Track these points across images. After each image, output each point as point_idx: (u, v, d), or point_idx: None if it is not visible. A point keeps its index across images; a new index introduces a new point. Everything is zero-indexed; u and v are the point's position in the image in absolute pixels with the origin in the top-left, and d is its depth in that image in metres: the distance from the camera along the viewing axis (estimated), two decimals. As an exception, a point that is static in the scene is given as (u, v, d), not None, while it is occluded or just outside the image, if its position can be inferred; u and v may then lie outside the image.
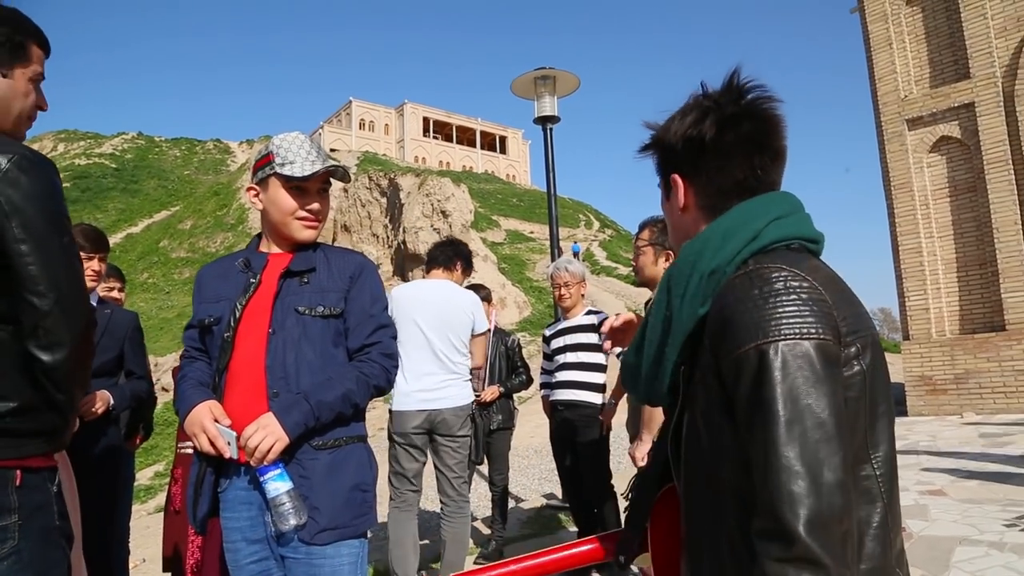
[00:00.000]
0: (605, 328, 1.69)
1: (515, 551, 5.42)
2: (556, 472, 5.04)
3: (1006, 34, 10.10)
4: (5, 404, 1.45)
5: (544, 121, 7.22)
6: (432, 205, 25.53)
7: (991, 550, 4.06)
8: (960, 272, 10.47)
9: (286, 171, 1.97)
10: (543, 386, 4.80)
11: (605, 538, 1.41)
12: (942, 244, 10.59)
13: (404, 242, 25.71)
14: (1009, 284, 9.81)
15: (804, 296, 1.00)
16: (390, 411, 3.99)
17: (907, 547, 4.21)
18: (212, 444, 1.83)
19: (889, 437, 1.08)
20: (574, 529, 4.95)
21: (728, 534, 1.04)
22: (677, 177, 1.22)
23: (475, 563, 5.04)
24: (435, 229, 25.71)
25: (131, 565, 7.62)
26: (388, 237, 27.77)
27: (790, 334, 0.97)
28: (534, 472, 8.46)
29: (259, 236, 2.14)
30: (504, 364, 5.46)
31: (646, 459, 2.30)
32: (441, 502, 4.08)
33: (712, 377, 1.05)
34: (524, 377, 5.50)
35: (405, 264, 26.27)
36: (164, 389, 16.99)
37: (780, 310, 0.99)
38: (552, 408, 4.66)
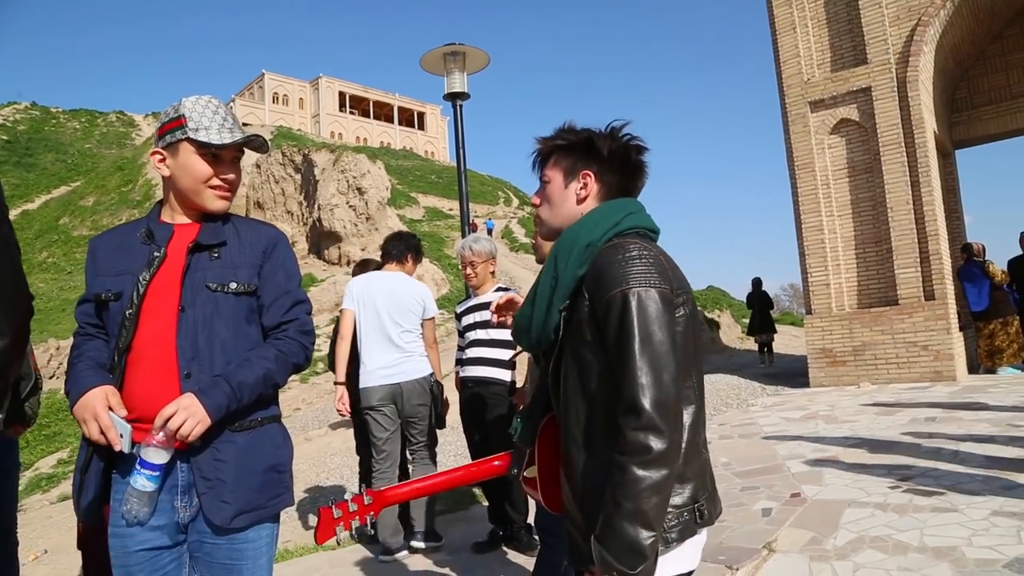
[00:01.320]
0: (492, 307, 2.05)
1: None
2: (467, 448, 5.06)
3: (899, 22, 10.57)
4: None
5: (454, 97, 7.14)
6: (348, 182, 25.02)
7: (876, 511, 4.30)
8: (858, 249, 10.98)
9: (201, 136, 1.87)
10: (457, 363, 4.82)
11: (502, 457, 1.89)
12: (842, 222, 11.07)
13: (319, 219, 25.16)
14: (901, 261, 10.35)
15: (651, 261, 1.47)
16: (359, 389, 4.67)
17: (801, 510, 4.44)
18: (103, 434, 1.72)
19: (699, 366, 1.59)
20: (484, 505, 4.99)
21: (595, 428, 1.49)
22: (590, 173, 1.67)
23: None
24: (351, 206, 25.24)
25: (31, 557, 7.30)
26: (303, 214, 27.10)
27: (643, 283, 1.43)
28: (449, 448, 8.48)
29: (159, 204, 2.01)
30: None
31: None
32: (410, 464, 4.90)
33: (588, 316, 1.50)
34: None
35: (321, 242, 25.74)
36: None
37: (635, 268, 1.45)
38: (462, 384, 4.68)
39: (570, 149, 1.69)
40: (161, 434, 1.72)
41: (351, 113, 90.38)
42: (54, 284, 36.54)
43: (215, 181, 1.93)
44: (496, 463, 1.90)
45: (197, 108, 1.91)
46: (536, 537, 3.97)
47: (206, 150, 1.90)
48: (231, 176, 1.96)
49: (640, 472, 1.34)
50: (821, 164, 11.12)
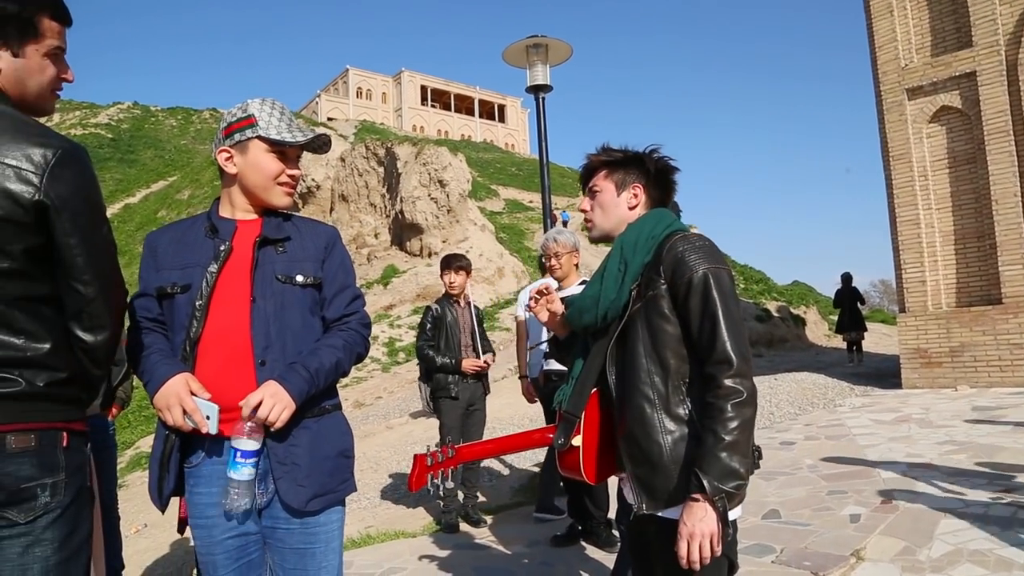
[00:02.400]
0: (532, 292, 2.24)
1: (507, 519, 5.46)
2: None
3: (1011, 0, 9.91)
4: (57, 374, 1.58)
5: (536, 90, 7.11)
6: (429, 174, 25.30)
7: (975, 523, 4.07)
8: (958, 244, 10.40)
9: (272, 134, 1.95)
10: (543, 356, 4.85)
11: (549, 429, 2.08)
12: (940, 216, 10.50)
13: (402, 212, 25.52)
14: (1007, 257, 9.75)
15: (712, 247, 1.86)
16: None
17: (892, 518, 4.25)
18: (185, 420, 1.78)
19: None
20: (563, 498, 4.98)
21: (668, 385, 1.81)
22: (640, 186, 2.03)
23: (437, 530, 5.08)
24: (432, 199, 25.52)
25: (132, 530, 7.71)
26: (386, 207, 27.56)
27: (717, 264, 1.82)
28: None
29: (216, 201, 2.08)
30: (481, 334, 5.52)
31: None
32: None
33: (665, 292, 1.83)
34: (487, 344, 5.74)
35: (403, 234, 26.13)
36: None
37: (707, 253, 1.83)
38: (546, 377, 4.68)
39: (621, 165, 2.04)
40: (251, 423, 1.78)
41: (432, 106, 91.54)
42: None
43: (283, 178, 2.01)
44: (542, 434, 2.10)
45: (265, 109, 1.99)
46: (616, 533, 3.92)
47: (276, 148, 1.97)
48: (297, 173, 2.05)
49: (736, 410, 1.68)
50: (918, 154, 10.58)
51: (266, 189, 2.00)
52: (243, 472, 1.79)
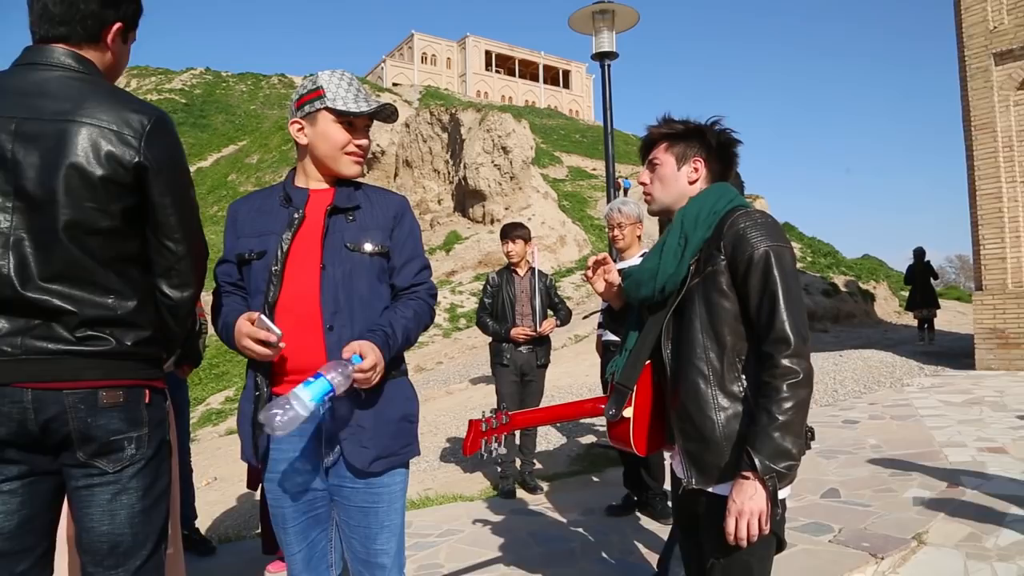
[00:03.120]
0: (591, 261, 2.16)
1: (563, 487, 5.53)
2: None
3: (1113, -40, 9.25)
4: (143, 333, 1.69)
5: (602, 57, 7.00)
6: (493, 141, 25.20)
7: (1048, 512, 3.93)
8: (1043, 220, 9.90)
9: (339, 105, 2.00)
10: (600, 326, 4.84)
11: (601, 399, 2.08)
12: (1025, 190, 9.99)
13: (465, 178, 25.53)
14: (1096, 233, 9.24)
15: (774, 225, 1.83)
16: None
17: (958, 503, 4.14)
18: (259, 346, 1.82)
19: None
20: (620, 468, 5.00)
21: (724, 361, 1.80)
22: (701, 159, 1.98)
23: (494, 496, 5.16)
24: (495, 165, 25.46)
25: (203, 483, 8.09)
26: (449, 173, 27.63)
27: (779, 242, 1.79)
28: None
29: (292, 170, 2.15)
30: (543, 302, 5.52)
31: None
32: None
33: (725, 268, 1.80)
34: (564, 312, 5.70)
35: (465, 200, 26.19)
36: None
37: (770, 231, 1.80)
38: (604, 348, 4.69)
39: (681, 137, 1.99)
40: (349, 370, 1.77)
41: (496, 72, 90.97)
42: (222, 236, 39.47)
43: (351, 147, 2.05)
44: (592, 404, 2.12)
45: (333, 80, 2.03)
46: (670, 504, 3.93)
47: (343, 118, 2.02)
48: (364, 142, 2.09)
49: (792, 391, 1.67)
50: (1004, 124, 10.04)
51: (334, 159, 2.04)
52: (305, 398, 1.69)
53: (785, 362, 1.68)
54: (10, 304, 1.55)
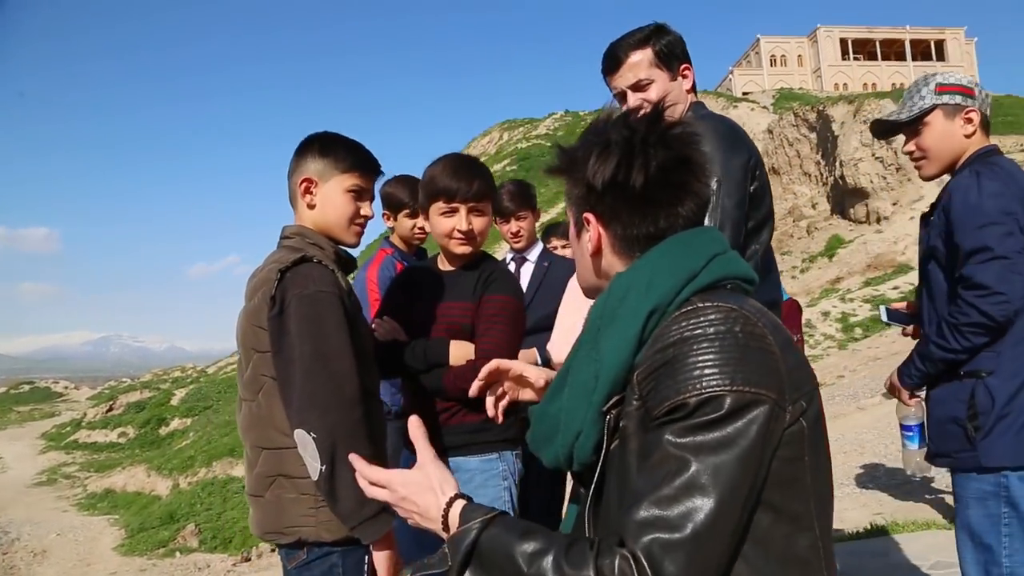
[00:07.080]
0: (482, 374, 1.48)
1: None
2: None
3: None
4: None
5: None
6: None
7: None
8: None
9: None
10: None
11: None
12: None
13: (842, 177, 23.72)
14: None
15: (754, 347, 0.95)
16: None
17: None
18: None
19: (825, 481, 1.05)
20: None
21: None
22: (591, 216, 1.15)
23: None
24: (877, 158, 23.15)
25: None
26: (822, 174, 25.89)
27: (745, 388, 0.92)
28: None
29: None
30: None
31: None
32: None
33: (637, 427, 0.99)
34: None
35: (844, 200, 24.36)
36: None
37: (741, 360, 0.93)
38: None
39: (562, 178, 1.33)
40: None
41: (855, 58, 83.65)
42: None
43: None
44: None
45: None
46: None
47: None
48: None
49: None
50: None
51: None
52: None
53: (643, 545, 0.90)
54: None
